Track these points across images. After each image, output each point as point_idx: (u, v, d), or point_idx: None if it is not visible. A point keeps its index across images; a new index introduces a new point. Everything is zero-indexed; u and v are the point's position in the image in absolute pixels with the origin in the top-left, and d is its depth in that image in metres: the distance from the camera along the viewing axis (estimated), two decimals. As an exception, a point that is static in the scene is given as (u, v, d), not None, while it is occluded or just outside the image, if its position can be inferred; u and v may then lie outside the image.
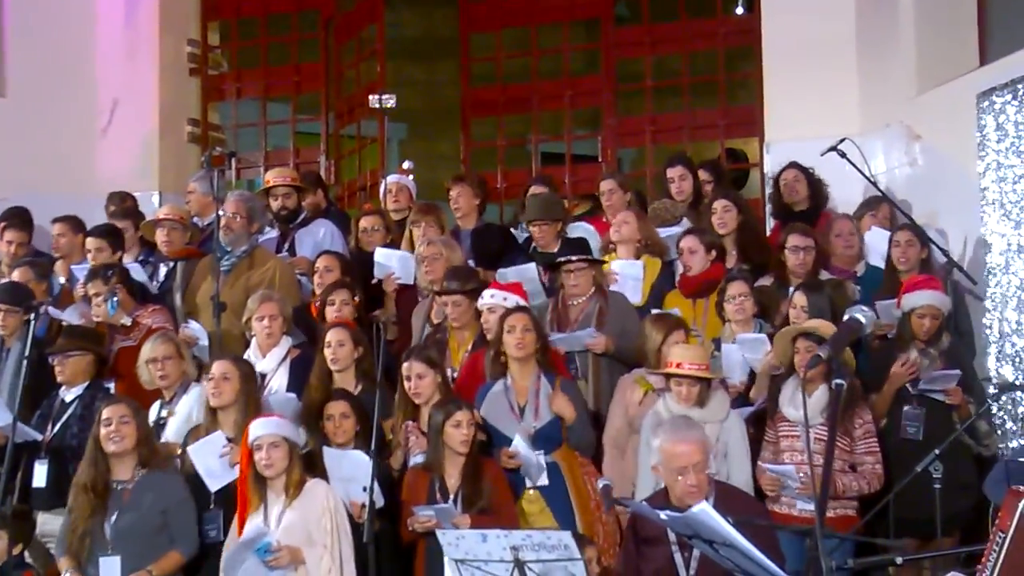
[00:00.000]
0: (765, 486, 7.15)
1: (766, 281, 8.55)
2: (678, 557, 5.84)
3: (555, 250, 8.74)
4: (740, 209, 8.94)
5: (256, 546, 6.77)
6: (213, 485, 7.30)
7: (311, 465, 7.18)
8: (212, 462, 7.31)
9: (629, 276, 8.53)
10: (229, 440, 7.31)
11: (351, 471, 7.08)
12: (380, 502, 6.96)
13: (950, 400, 7.49)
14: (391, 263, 8.91)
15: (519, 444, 7.15)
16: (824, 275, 8.43)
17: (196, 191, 10.34)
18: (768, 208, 10.01)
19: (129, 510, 7.07)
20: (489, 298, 7.92)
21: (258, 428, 6.96)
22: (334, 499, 6.97)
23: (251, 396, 7.52)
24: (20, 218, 10.26)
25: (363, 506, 6.91)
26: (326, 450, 7.18)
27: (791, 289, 8.07)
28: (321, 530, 6.88)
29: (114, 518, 7.06)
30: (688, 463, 5.93)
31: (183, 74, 12.83)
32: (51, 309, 9.04)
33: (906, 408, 7.57)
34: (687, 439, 6.04)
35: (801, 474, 6.90)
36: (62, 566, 7.15)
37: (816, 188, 9.46)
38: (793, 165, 9.50)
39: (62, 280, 9.75)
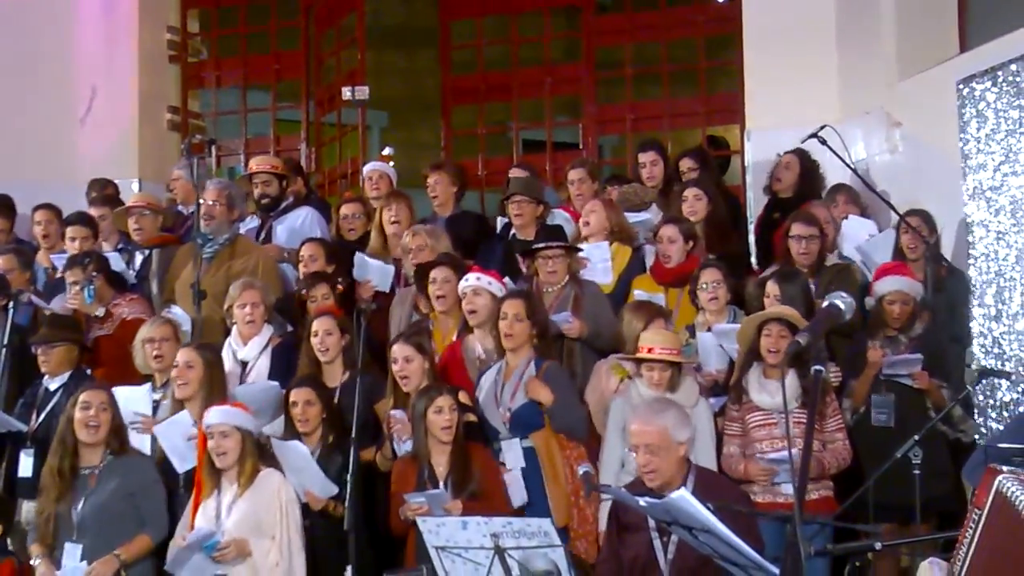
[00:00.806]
0: (758, 476, 7.15)
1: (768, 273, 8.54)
2: (657, 543, 5.85)
3: (532, 236, 8.73)
4: (710, 199, 8.93)
5: (204, 544, 6.77)
6: (180, 466, 7.32)
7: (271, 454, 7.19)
8: (179, 443, 7.32)
9: (597, 259, 8.52)
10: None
11: (295, 461, 7.09)
12: (333, 490, 6.98)
13: (917, 384, 7.53)
14: (367, 271, 8.86)
15: (416, 496, 7.00)
16: (831, 259, 8.43)
17: (181, 178, 10.34)
18: (760, 185, 9.97)
19: (95, 495, 7.08)
20: (475, 280, 7.90)
21: (211, 416, 6.97)
22: (287, 490, 6.96)
23: (215, 383, 7.55)
24: (2, 205, 10.24)
25: (335, 497, 6.93)
26: (274, 442, 7.17)
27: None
28: (270, 520, 6.87)
29: (80, 504, 7.06)
30: (639, 442, 5.92)
31: (163, 62, 12.79)
32: (34, 298, 9.03)
33: (874, 395, 7.61)
34: (642, 419, 6.04)
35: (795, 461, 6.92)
36: (32, 552, 7.17)
37: (809, 178, 9.44)
38: (794, 151, 9.49)
39: (45, 266, 9.72)
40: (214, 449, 6.93)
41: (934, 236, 8.37)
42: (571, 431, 7.41)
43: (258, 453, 7.02)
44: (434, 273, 8.07)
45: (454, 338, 8.03)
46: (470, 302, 7.81)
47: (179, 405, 7.51)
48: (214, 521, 6.88)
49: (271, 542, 6.84)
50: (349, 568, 6.82)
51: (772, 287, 7.77)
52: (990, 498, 4.08)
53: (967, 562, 4.15)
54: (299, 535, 6.92)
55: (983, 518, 4.11)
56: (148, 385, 7.40)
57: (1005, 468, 4.18)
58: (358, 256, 8.91)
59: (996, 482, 4.07)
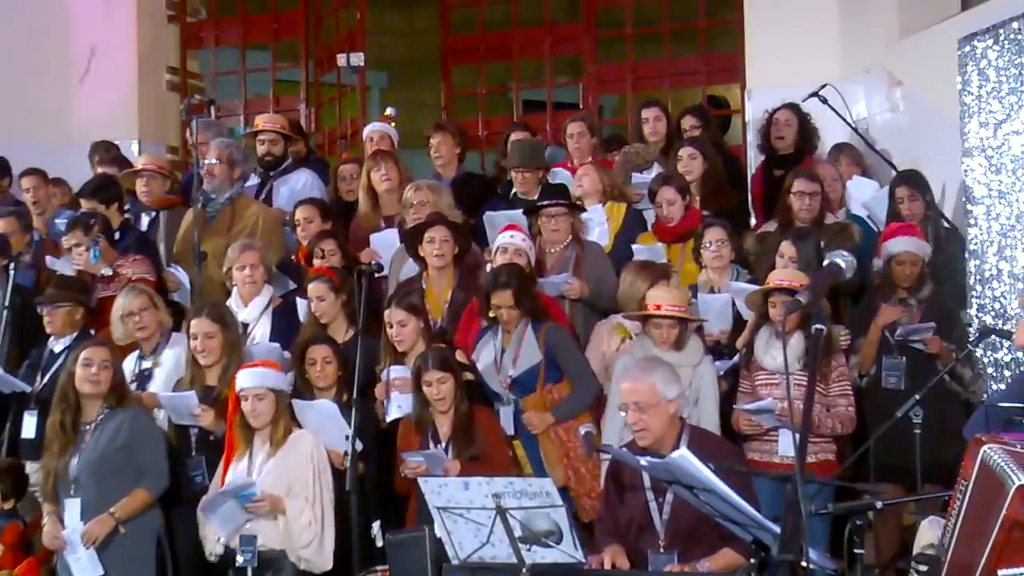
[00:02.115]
0: (744, 427, 7.17)
1: (770, 227, 8.54)
2: (652, 503, 5.86)
3: (535, 197, 8.73)
4: (706, 157, 8.91)
5: (240, 493, 6.79)
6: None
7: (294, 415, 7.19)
8: (184, 414, 7.34)
9: (594, 222, 8.51)
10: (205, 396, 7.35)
11: (320, 421, 7.10)
12: (359, 446, 6.97)
13: (929, 349, 7.52)
14: (384, 245, 8.78)
15: (414, 455, 7.03)
16: (830, 218, 8.43)
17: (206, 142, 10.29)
18: (755, 143, 9.95)
19: (90, 449, 7.09)
20: (509, 238, 7.88)
21: (244, 379, 6.97)
22: (319, 452, 6.99)
23: (235, 345, 7.54)
24: None
25: (344, 454, 6.95)
26: (295, 402, 7.17)
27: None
28: (303, 482, 6.91)
29: (76, 458, 7.07)
30: (628, 400, 5.90)
31: (161, 21, 12.76)
32: (48, 258, 9.01)
33: (885, 358, 7.60)
34: (631, 377, 6.02)
35: (778, 405, 6.93)
36: (45, 511, 7.20)
37: (806, 134, 9.41)
38: (789, 106, 9.43)
39: (41, 234, 9.70)
40: (249, 412, 6.95)
41: (928, 195, 8.34)
42: (579, 412, 7.41)
43: (291, 413, 7.05)
44: (432, 232, 8.03)
45: (448, 297, 8.01)
46: (511, 259, 7.75)
47: (197, 367, 7.50)
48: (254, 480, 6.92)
49: (305, 502, 6.87)
50: (376, 524, 6.87)
51: (787, 247, 7.75)
52: (975, 469, 4.09)
53: (955, 533, 4.17)
54: (331, 497, 6.96)
55: (969, 489, 4.12)
56: (191, 393, 7.36)
57: (986, 437, 4.18)
58: (390, 232, 8.83)
59: (981, 453, 4.08)
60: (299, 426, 7.07)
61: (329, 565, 6.91)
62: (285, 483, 6.89)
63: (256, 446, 7.00)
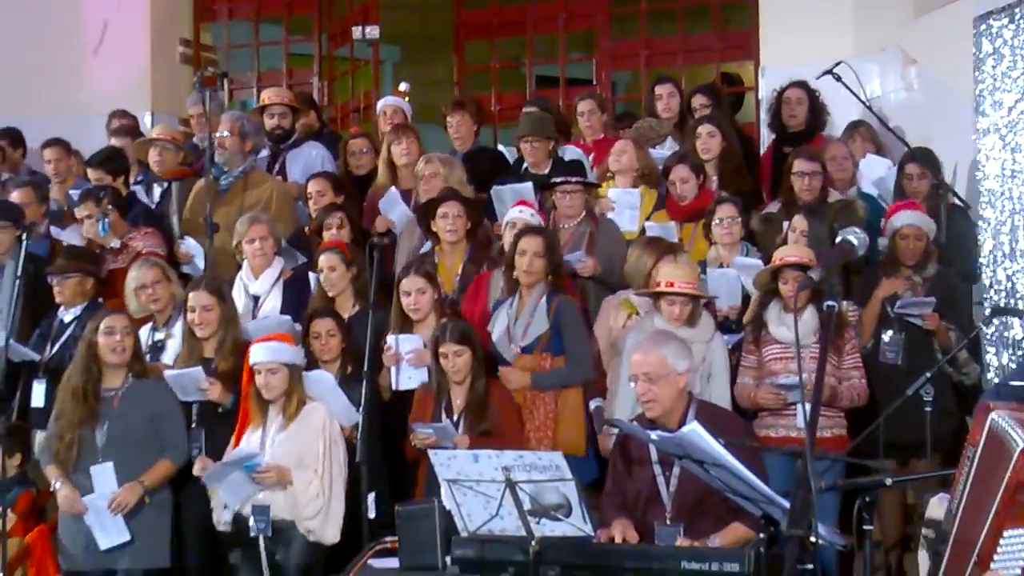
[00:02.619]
0: (768, 401, 7.18)
1: (773, 208, 8.53)
2: (660, 476, 5.86)
3: (546, 171, 8.72)
4: (724, 135, 8.89)
5: (245, 463, 6.82)
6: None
7: None
8: (192, 391, 7.35)
9: (626, 205, 8.49)
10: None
11: (318, 391, 7.12)
12: (355, 418, 7.03)
13: (927, 325, 7.52)
14: (394, 209, 8.81)
15: (424, 427, 7.06)
16: (833, 196, 8.42)
17: (199, 112, 10.32)
18: (766, 121, 9.93)
19: (120, 418, 7.12)
20: (518, 213, 7.90)
21: (258, 353, 7.01)
22: (331, 424, 7.03)
23: (232, 319, 7.58)
24: (11, 138, 10.28)
25: (354, 427, 6.98)
26: None
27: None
28: (313, 454, 6.94)
29: (105, 425, 7.10)
30: (638, 371, 5.90)
31: (175, -7, 12.74)
32: (53, 228, 9.04)
33: (884, 333, 7.61)
34: (643, 349, 6.02)
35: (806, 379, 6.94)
36: (50, 474, 7.22)
37: (816, 112, 9.40)
38: (799, 84, 9.40)
39: (60, 205, 9.73)
40: (263, 385, 6.98)
41: (938, 176, 8.33)
42: (564, 386, 7.41)
43: (304, 386, 7.08)
44: (445, 208, 8.06)
45: (459, 271, 8.05)
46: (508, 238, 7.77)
47: (195, 341, 7.52)
48: (258, 450, 6.95)
49: (314, 474, 6.91)
50: (371, 495, 6.90)
51: (800, 221, 7.74)
52: (983, 435, 4.10)
53: (963, 499, 4.17)
54: (341, 471, 7.00)
55: (977, 455, 4.13)
56: (199, 368, 7.38)
57: (994, 404, 4.19)
58: (394, 192, 8.87)
59: (989, 419, 4.08)
60: (313, 399, 7.09)
61: (336, 538, 6.95)
62: (296, 455, 6.93)
63: (270, 418, 7.04)
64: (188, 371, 7.36)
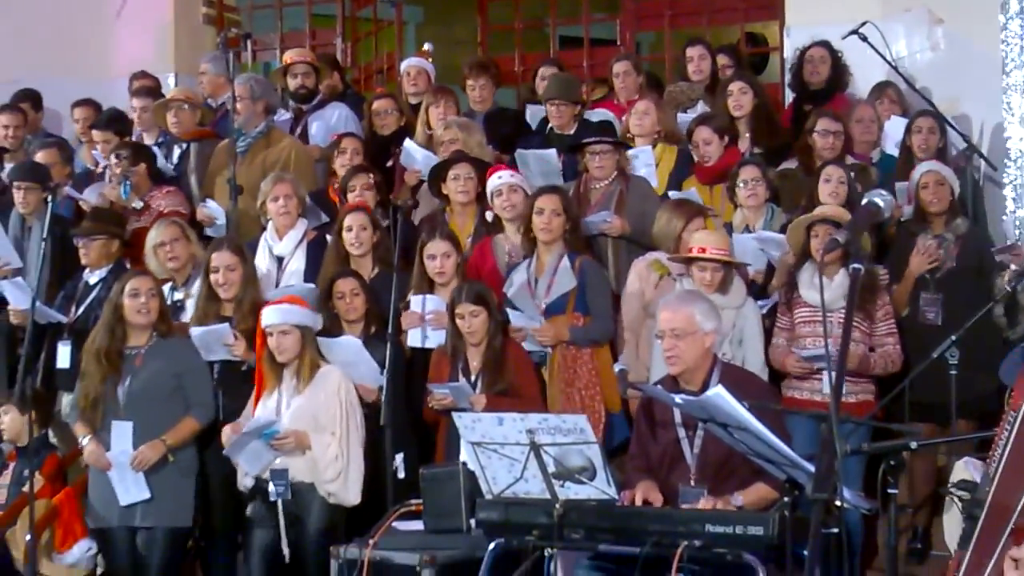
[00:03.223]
0: (794, 368, 7.17)
1: (791, 164, 8.50)
2: (684, 439, 5.87)
3: (571, 132, 8.69)
4: (756, 92, 8.86)
5: (263, 432, 6.85)
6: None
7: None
8: (216, 349, 7.36)
9: (641, 163, 8.48)
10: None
11: (345, 355, 7.13)
12: (379, 381, 7.05)
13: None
14: (416, 159, 8.79)
15: (440, 387, 7.10)
16: (848, 159, 8.38)
17: (208, 71, 10.35)
18: (787, 81, 9.90)
19: (142, 374, 7.15)
20: (509, 178, 7.90)
21: (270, 316, 7.01)
22: (346, 386, 7.03)
23: (251, 280, 7.58)
24: (31, 99, 10.29)
25: (380, 388, 6.99)
26: (319, 341, 7.19)
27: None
28: (330, 417, 6.95)
29: (127, 382, 7.14)
30: (665, 327, 5.91)
31: (198, -45, 12.70)
32: (69, 189, 9.06)
33: (923, 294, 7.57)
34: (670, 306, 6.03)
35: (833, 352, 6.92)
36: (77, 432, 7.28)
37: (838, 72, 9.36)
38: (822, 44, 9.35)
39: (88, 165, 9.75)
40: (275, 347, 6.99)
41: (943, 140, 8.28)
42: (605, 338, 7.50)
43: (317, 349, 7.08)
44: (456, 170, 8.08)
45: (472, 231, 8.07)
46: (508, 199, 7.80)
47: (212, 303, 7.54)
48: (274, 415, 6.96)
49: (332, 437, 6.92)
50: (399, 456, 6.93)
51: (834, 170, 7.71)
52: (1027, 401, 4.10)
53: (1003, 461, 4.17)
54: (358, 432, 7.00)
55: (1019, 419, 4.12)
56: (226, 326, 7.40)
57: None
58: (407, 143, 8.88)
59: (1032, 385, 4.08)
60: (327, 362, 7.10)
61: (357, 499, 6.96)
62: (312, 418, 6.94)
63: (285, 381, 7.05)
64: (215, 327, 7.37)
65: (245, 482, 7.07)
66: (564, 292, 7.41)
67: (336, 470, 6.90)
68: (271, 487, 6.89)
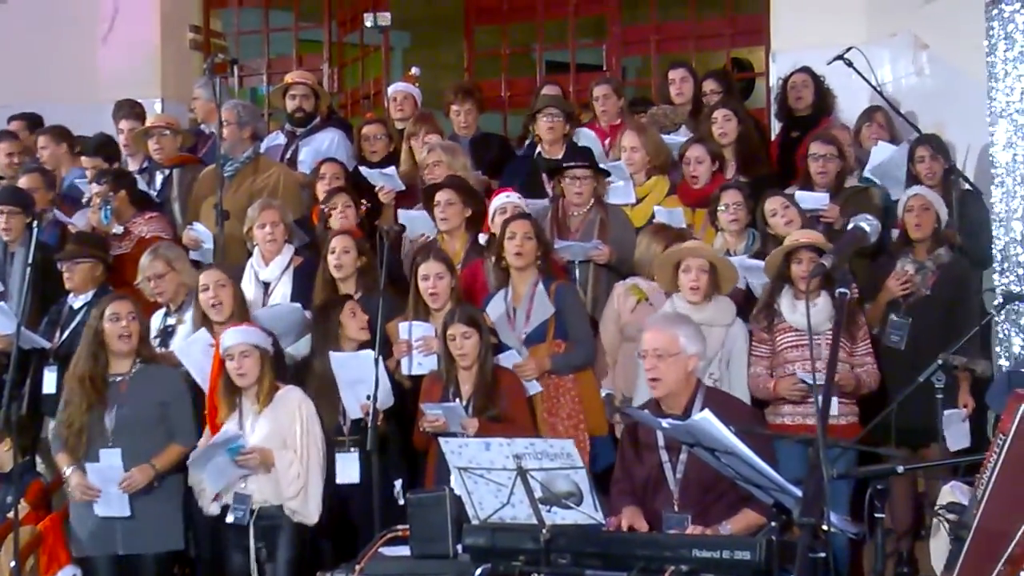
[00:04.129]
0: (789, 392, 7.17)
1: (789, 192, 8.50)
2: (666, 463, 5.86)
3: (559, 156, 8.70)
4: (740, 119, 8.88)
5: (228, 446, 6.84)
6: (205, 383, 7.31)
7: (307, 376, 7.27)
8: (202, 361, 7.35)
9: (619, 176, 8.48)
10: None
11: (360, 373, 7.10)
12: (389, 402, 7.04)
13: None
14: (375, 179, 8.85)
15: (433, 408, 7.08)
16: (850, 181, 8.39)
17: (201, 97, 10.34)
18: (773, 110, 9.93)
19: (128, 402, 7.14)
20: (505, 199, 7.93)
21: (229, 338, 7.01)
22: (307, 406, 7.03)
23: (243, 302, 7.61)
24: (32, 124, 10.29)
25: (366, 414, 6.98)
26: (333, 355, 7.19)
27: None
28: (291, 435, 6.96)
29: (113, 411, 7.12)
30: (648, 347, 5.91)
31: (184, -21, 12.73)
32: (58, 212, 9.05)
33: (892, 316, 7.63)
34: (656, 327, 6.04)
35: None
36: (60, 462, 7.24)
37: (822, 96, 9.40)
38: (804, 70, 9.42)
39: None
40: (234, 370, 6.97)
41: (948, 161, 8.31)
42: (586, 364, 7.48)
43: (275, 371, 7.06)
44: (438, 196, 8.08)
45: (461, 258, 8.05)
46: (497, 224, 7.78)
47: (206, 322, 7.52)
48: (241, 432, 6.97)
49: (293, 455, 6.93)
50: (398, 482, 6.90)
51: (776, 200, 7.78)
52: (1015, 424, 4.09)
53: (991, 485, 4.16)
54: (318, 451, 7.01)
55: (1008, 443, 4.12)
56: (203, 330, 7.40)
57: (1028, 392, 4.18)
58: (362, 171, 8.92)
59: (1021, 408, 4.07)
60: (284, 383, 7.08)
61: (315, 518, 6.96)
62: (278, 438, 6.95)
63: (245, 406, 7.04)
64: (194, 337, 7.39)
65: (211, 509, 7.05)
66: (543, 320, 7.40)
67: (297, 488, 6.90)
68: (230, 513, 6.89)
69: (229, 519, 6.89)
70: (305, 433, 6.96)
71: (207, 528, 7.29)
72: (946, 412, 7.02)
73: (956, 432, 7.26)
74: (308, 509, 6.94)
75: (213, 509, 7.04)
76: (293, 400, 7.01)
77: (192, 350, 7.40)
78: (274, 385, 7.03)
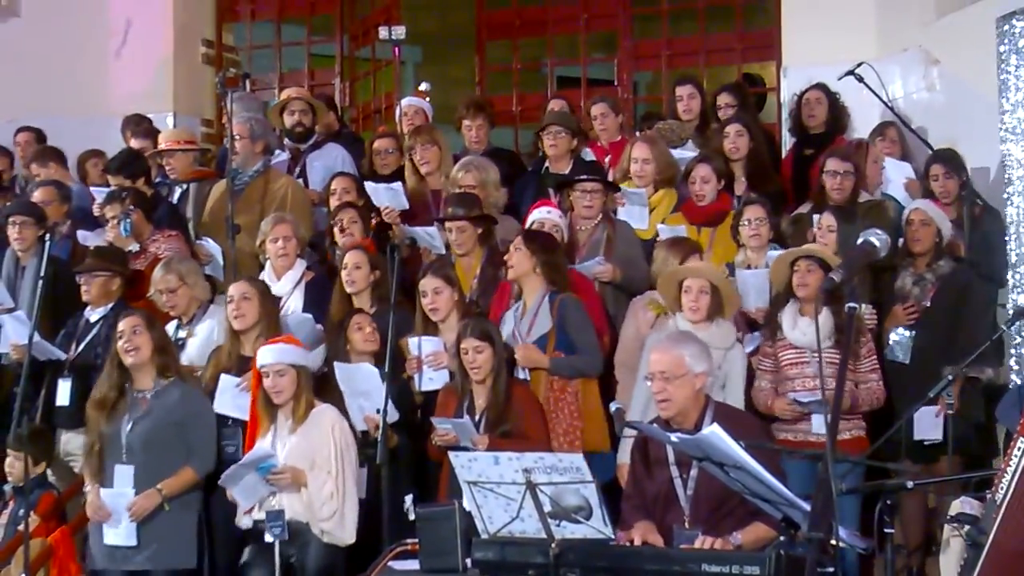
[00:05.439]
0: (784, 414, 7.17)
1: (804, 209, 8.51)
2: (677, 478, 5.85)
3: (566, 171, 8.70)
4: (752, 136, 8.88)
5: (260, 464, 6.83)
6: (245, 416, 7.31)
7: (325, 388, 7.24)
8: (239, 399, 7.34)
9: (635, 202, 8.48)
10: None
11: (364, 385, 7.13)
12: (395, 416, 7.02)
13: None
14: (379, 196, 8.82)
15: (443, 422, 7.08)
16: (864, 196, 8.40)
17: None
18: (787, 126, 9.93)
19: (145, 418, 7.13)
20: (546, 214, 7.94)
21: (265, 355, 7.00)
22: (340, 425, 7.02)
23: (272, 314, 7.59)
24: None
25: (376, 427, 6.99)
26: (337, 365, 7.21)
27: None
28: (324, 456, 6.93)
29: (130, 426, 7.11)
30: (655, 370, 5.89)
31: (197, -6, 12.77)
32: (80, 232, 9.05)
33: (892, 332, 7.67)
34: (661, 348, 6.01)
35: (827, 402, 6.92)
36: (87, 481, 7.24)
37: (836, 113, 9.39)
38: (819, 86, 9.42)
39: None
40: (270, 388, 6.97)
41: (964, 175, 8.31)
42: (592, 371, 7.46)
43: (312, 388, 7.06)
44: (449, 224, 8.09)
45: (477, 273, 8.06)
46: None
47: (234, 336, 7.53)
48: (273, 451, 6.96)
49: (327, 476, 6.90)
50: (408, 497, 6.89)
51: (827, 219, 7.74)
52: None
53: (1011, 489, 4.16)
54: (352, 470, 6.99)
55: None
56: (226, 376, 7.41)
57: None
58: (367, 185, 8.91)
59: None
60: (322, 401, 7.08)
61: (352, 538, 6.94)
62: (308, 458, 6.93)
63: (280, 421, 7.04)
64: (220, 387, 7.36)
65: (243, 521, 7.04)
66: (543, 334, 7.38)
67: (331, 509, 6.88)
68: (267, 531, 6.83)
69: (268, 539, 6.76)
70: (340, 454, 6.94)
71: (226, 544, 7.30)
72: (922, 408, 7.01)
73: (927, 424, 7.25)
74: (344, 530, 6.92)
75: (245, 522, 7.04)
76: (328, 419, 7.00)
77: (224, 400, 7.38)
78: (311, 403, 7.02)
